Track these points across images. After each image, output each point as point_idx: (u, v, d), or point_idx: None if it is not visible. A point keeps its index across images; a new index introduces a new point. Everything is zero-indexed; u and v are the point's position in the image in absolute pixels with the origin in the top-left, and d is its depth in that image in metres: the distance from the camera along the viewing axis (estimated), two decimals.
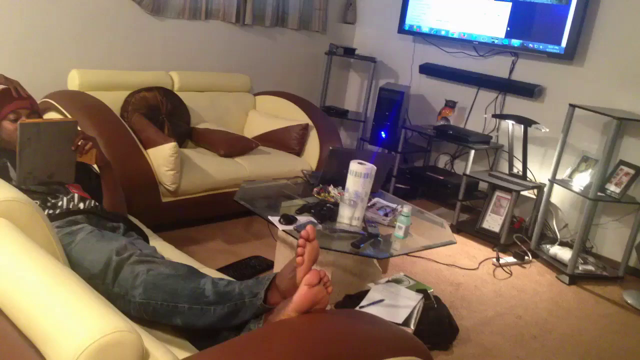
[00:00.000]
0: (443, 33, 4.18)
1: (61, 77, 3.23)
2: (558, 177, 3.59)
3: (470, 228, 3.74)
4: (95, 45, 3.44)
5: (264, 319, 1.46)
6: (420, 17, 4.30)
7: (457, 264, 3.26)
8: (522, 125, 3.69)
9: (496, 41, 3.91)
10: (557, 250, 3.47)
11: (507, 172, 3.87)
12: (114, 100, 3.12)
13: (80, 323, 0.97)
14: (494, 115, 3.97)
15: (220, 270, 2.41)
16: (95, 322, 0.97)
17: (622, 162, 3.37)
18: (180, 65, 3.83)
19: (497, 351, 2.39)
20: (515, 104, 3.97)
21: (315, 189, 2.58)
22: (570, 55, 3.57)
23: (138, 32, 3.61)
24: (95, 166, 2.10)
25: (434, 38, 4.31)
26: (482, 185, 3.99)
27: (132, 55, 3.62)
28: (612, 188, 3.30)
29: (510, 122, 3.77)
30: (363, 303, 2.23)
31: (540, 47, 3.70)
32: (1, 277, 1.11)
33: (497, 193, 3.72)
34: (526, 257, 3.46)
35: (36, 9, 3.15)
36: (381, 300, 2.25)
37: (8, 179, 1.86)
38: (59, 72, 3.25)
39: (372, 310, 2.16)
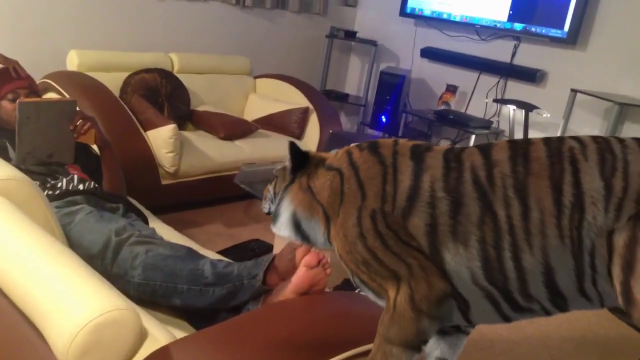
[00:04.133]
0: (445, 16, 4.15)
1: (60, 58, 3.20)
2: None
3: None
4: (94, 26, 3.41)
5: (262, 300, 1.47)
6: None
7: None
8: (524, 110, 3.67)
9: (498, 25, 3.88)
10: None
11: None
12: (113, 81, 3.09)
13: (78, 301, 0.97)
14: (495, 100, 3.95)
15: (219, 253, 2.41)
16: (93, 300, 0.97)
17: None
18: (180, 46, 3.80)
19: (494, 335, 2.41)
20: (517, 89, 3.95)
21: None
22: (573, 40, 3.55)
23: (138, 13, 3.58)
24: (95, 147, 2.10)
25: (436, 21, 4.27)
26: None
27: (132, 36, 3.59)
28: None
29: (511, 107, 3.75)
30: None
31: (543, 31, 3.67)
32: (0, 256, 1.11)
33: None
34: None
35: None
36: None
37: (7, 159, 1.86)
38: (58, 53, 3.22)
39: None
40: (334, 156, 1.14)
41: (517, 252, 0.94)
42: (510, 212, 0.94)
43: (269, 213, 1.20)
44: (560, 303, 0.97)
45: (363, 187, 1.04)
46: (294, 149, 1.13)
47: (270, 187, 1.19)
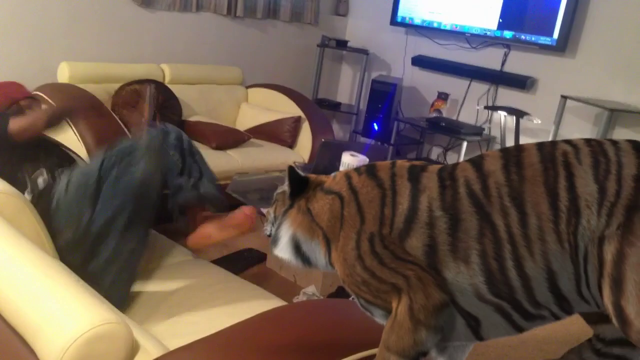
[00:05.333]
0: (435, 25, 4.17)
1: (51, 70, 3.20)
2: None
3: None
4: (85, 37, 3.41)
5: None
6: (413, 8, 4.29)
7: None
8: (514, 117, 3.69)
9: (488, 33, 3.91)
10: None
11: None
12: (104, 93, 3.09)
13: (69, 315, 0.96)
14: (487, 107, 3.97)
15: (214, 262, 2.41)
16: (84, 314, 0.96)
17: None
18: (171, 57, 3.80)
19: (490, 341, 2.40)
20: (508, 96, 3.97)
21: None
22: (562, 46, 3.58)
23: (128, 24, 3.58)
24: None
25: (427, 30, 4.30)
26: None
27: (123, 48, 3.59)
28: None
29: (502, 114, 3.77)
30: None
31: (532, 38, 3.70)
32: None
33: None
34: None
35: (25, 0, 3.11)
36: None
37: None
38: (49, 65, 3.22)
39: None
40: (332, 179, 1.15)
41: (519, 260, 0.94)
42: (509, 221, 0.94)
43: (270, 235, 1.21)
44: (566, 306, 0.97)
45: (362, 211, 1.05)
46: (293, 175, 1.14)
47: (271, 210, 1.22)
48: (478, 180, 0.98)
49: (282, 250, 1.16)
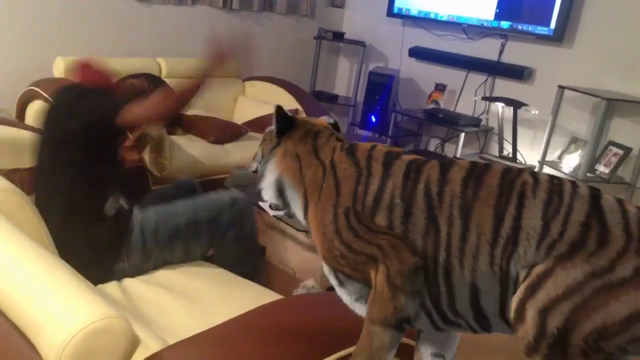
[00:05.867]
0: (432, 16, 4.16)
1: (46, 65, 3.18)
2: (548, 158, 3.60)
3: None
4: (80, 32, 3.39)
5: None
6: None
7: None
8: (512, 108, 3.69)
9: (485, 23, 3.90)
10: None
11: (497, 154, 3.87)
12: None
13: (68, 311, 0.97)
14: (484, 98, 3.97)
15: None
16: (83, 310, 0.97)
17: (611, 143, 3.39)
18: (167, 51, 3.78)
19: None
20: (505, 87, 3.97)
21: None
22: (560, 36, 3.57)
23: (124, 18, 3.56)
24: None
25: (423, 21, 4.28)
26: None
27: (118, 42, 3.57)
28: (602, 169, 3.31)
29: (499, 105, 3.77)
30: None
31: (530, 28, 3.69)
32: None
33: None
34: None
35: None
36: None
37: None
38: (44, 59, 3.20)
39: None
40: (325, 141, 1.20)
41: (448, 268, 1.00)
42: (451, 230, 1.00)
43: (255, 171, 1.30)
44: (484, 324, 1.04)
45: (339, 185, 1.12)
46: (279, 113, 1.21)
47: (259, 150, 1.30)
48: (437, 184, 1.04)
49: (266, 189, 1.24)
